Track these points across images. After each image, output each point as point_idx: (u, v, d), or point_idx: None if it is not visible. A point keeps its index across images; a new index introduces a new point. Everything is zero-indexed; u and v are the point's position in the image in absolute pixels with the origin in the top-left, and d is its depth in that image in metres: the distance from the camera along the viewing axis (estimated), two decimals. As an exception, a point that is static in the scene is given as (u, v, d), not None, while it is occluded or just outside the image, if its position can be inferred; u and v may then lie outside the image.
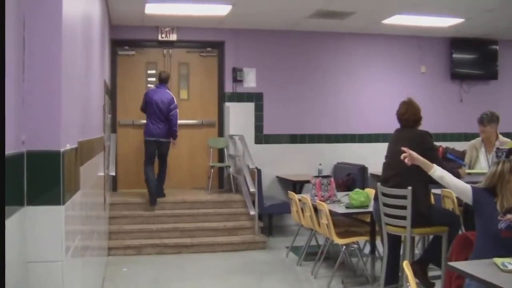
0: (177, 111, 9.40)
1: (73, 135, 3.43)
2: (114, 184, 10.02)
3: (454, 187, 4.57)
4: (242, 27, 10.29)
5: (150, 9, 8.84)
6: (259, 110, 10.51)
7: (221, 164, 10.47)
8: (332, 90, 10.87)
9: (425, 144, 5.29)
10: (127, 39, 10.29)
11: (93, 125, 5.12)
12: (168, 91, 9.51)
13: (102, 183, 6.41)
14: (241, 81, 10.41)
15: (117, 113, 10.23)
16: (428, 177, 5.08)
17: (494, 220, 4.12)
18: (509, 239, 4.09)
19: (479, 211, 4.28)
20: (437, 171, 4.74)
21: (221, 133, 10.65)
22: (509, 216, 4.08)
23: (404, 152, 4.99)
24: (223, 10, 8.95)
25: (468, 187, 4.41)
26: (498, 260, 3.69)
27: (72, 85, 3.39)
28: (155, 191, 9.12)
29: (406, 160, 4.80)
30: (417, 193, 5.14)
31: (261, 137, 10.49)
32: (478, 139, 6.69)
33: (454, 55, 11.46)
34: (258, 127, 10.50)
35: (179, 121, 9.97)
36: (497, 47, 11.69)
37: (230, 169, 10.27)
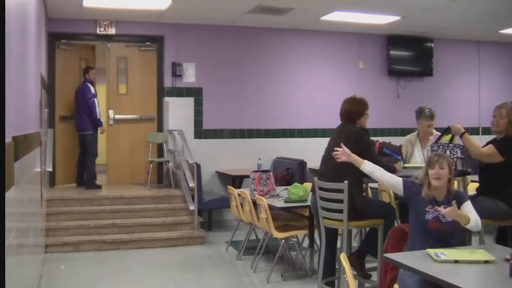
0: (95, 100, 9.74)
1: (8, 130, 3.35)
2: (51, 179, 9.86)
3: (385, 181, 4.72)
4: (181, 21, 10.24)
5: (88, 1, 8.71)
6: (198, 105, 10.48)
7: (160, 159, 10.42)
8: (271, 85, 10.94)
9: (361, 141, 5.37)
10: (65, 33, 10.10)
11: (29, 120, 5.01)
12: (86, 83, 9.87)
13: (38, 179, 6.29)
14: (180, 76, 10.36)
15: (55, 107, 10.07)
16: (364, 173, 5.21)
17: (423, 211, 4.27)
18: (436, 230, 4.22)
19: (410, 202, 4.43)
20: (367, 166, 4.87)
21: (160, 128, 10.59)
22: (437, 207, 4.22)
23: (339, 147, 5.09)
24: (162, 4, 8.89)
25: (399, 180, 4.56)
26: (432, 251, 3.81)
27: (6, 79, 3.32)
28: (80, 178, 10.03)
29: (338, 157, 4.94)
30: (351, 188, 5.22)
31: (200, 132, 10.47)
32: (414, 134, 6.84)
33: (391, 52, 11.70)
34: (198, 122, 10.47)
35: (119, 116, 10.03)
36: (432, 45, 11.98)
37: (169, 164, 10.24)
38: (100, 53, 11.09)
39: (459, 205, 4.36)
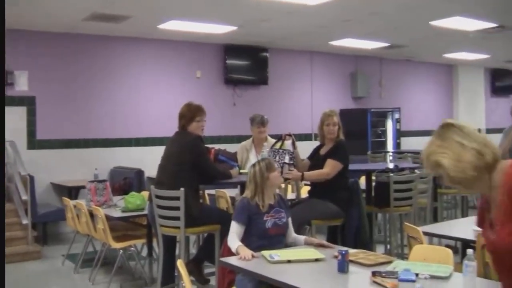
0: None
1: None
2: None
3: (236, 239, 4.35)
4: (14, 27, 9.77)
5: None
6: (31, 115, 10.05)
7: (-10, 172, 9.91)
8: (108, 94, 10.76)
9: (196, 149, 5.44)
10: None
11: None
12: None
13: None
14: (12, 84, 9.89)
15: None
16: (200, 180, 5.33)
17: (262, 221, 4.36)
18: (276, 235, 4.37)
19: (251, 220, 4.39)
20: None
21: (-10, 139, 10.06)
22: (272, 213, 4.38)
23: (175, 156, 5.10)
24: (-10, 9, 8.47)
25: (239, 226, 4.37)
26: (266, 253, 3.92)
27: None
28: None
29: None
30: (187, 196, 5.26)
31: (34, 143, 10.06)
32: (249, 141, 7.02)
33: (228, 61, 11.92)
34: (31, 132, 10.05)
35: None
36: (267, 55, 12.36)
37: (1, 177, 9.76)
38: None
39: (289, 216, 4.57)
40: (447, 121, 2.49)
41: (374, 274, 3.32)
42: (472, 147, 2.35)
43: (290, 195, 7.07)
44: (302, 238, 4.55)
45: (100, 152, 10.59)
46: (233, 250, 4.13)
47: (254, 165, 4.56)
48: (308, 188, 6.31)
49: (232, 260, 3.96)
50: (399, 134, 14.05)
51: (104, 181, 7.28)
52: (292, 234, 4.59)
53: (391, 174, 6.62)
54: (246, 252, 3.97)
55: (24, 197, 8.41)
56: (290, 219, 4.59)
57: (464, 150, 2.36)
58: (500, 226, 2.33)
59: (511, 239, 2.27)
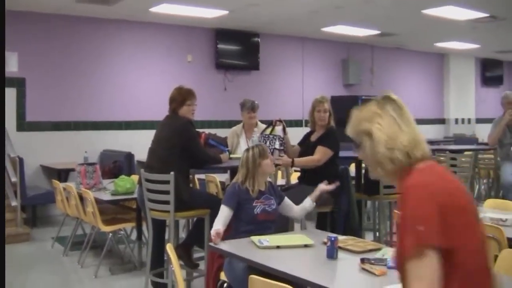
0: None
1: None
2: None
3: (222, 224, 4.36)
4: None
5: None
6: (21, 96, 10.00)
7: (-21, 153, 9.87)
8: (99, 77, 10.71)
9: (186, 133, 5.43)
10: None
11: None
12: None
13: None
14: (1, 65, 9.85)
15: None
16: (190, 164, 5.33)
17: (251, 207, 4.37)
18: (265, 221, 4.38)
19: (240, 205, 4.39)
20: None
21: (-22, 121, 10.01)
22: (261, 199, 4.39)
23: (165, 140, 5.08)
24: (-21, -11, 8.39)
25: (228, 210, 4.35)
26: (255, 238, 3.93)
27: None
28: None
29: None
30: (177, 180, 5.26)
31: (23, 125, 10.01)
32: (239, 126, 7.02)
33: (219, 46, 11.90)
34: (20, 114, 10.00)
35: None
36: (259, 40, 12.34)
37: (-11, 159, 9.72)
38: None
39: (281, 200, 4.59)
40: (390, 95, 2.31)
41: (362, 261, 3.34)
42: (408, 132, 2.17)
43: (280, 181, 7.09)
44: (307, 200, 4.72)
45: (90, 135, 10.57)
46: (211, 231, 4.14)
47: (247, 150, 4.57)
48: (298, 174, 6.32)
49: (221, 245, 3.96)
50: (389, 122, 14.05)
51: (94, 164, 7.28)
52: (294, 208, 4.69)
53: (381, 162, 6.62)
54: (214, 233, 4.04)
55: (14, 179, 8.38)
56: (287, 199, 4.66)
57: (400, 130, 2.17)
58: (398, 232, 2.08)
59: (399, 250, 2.00)
